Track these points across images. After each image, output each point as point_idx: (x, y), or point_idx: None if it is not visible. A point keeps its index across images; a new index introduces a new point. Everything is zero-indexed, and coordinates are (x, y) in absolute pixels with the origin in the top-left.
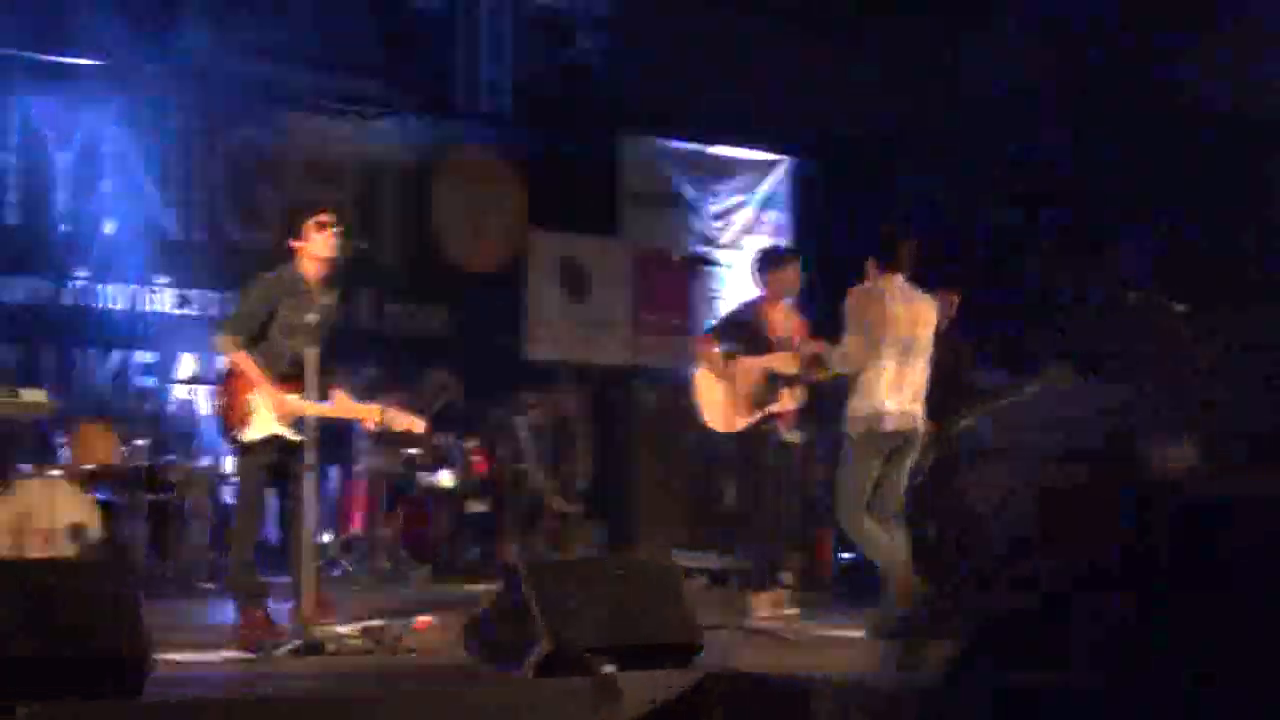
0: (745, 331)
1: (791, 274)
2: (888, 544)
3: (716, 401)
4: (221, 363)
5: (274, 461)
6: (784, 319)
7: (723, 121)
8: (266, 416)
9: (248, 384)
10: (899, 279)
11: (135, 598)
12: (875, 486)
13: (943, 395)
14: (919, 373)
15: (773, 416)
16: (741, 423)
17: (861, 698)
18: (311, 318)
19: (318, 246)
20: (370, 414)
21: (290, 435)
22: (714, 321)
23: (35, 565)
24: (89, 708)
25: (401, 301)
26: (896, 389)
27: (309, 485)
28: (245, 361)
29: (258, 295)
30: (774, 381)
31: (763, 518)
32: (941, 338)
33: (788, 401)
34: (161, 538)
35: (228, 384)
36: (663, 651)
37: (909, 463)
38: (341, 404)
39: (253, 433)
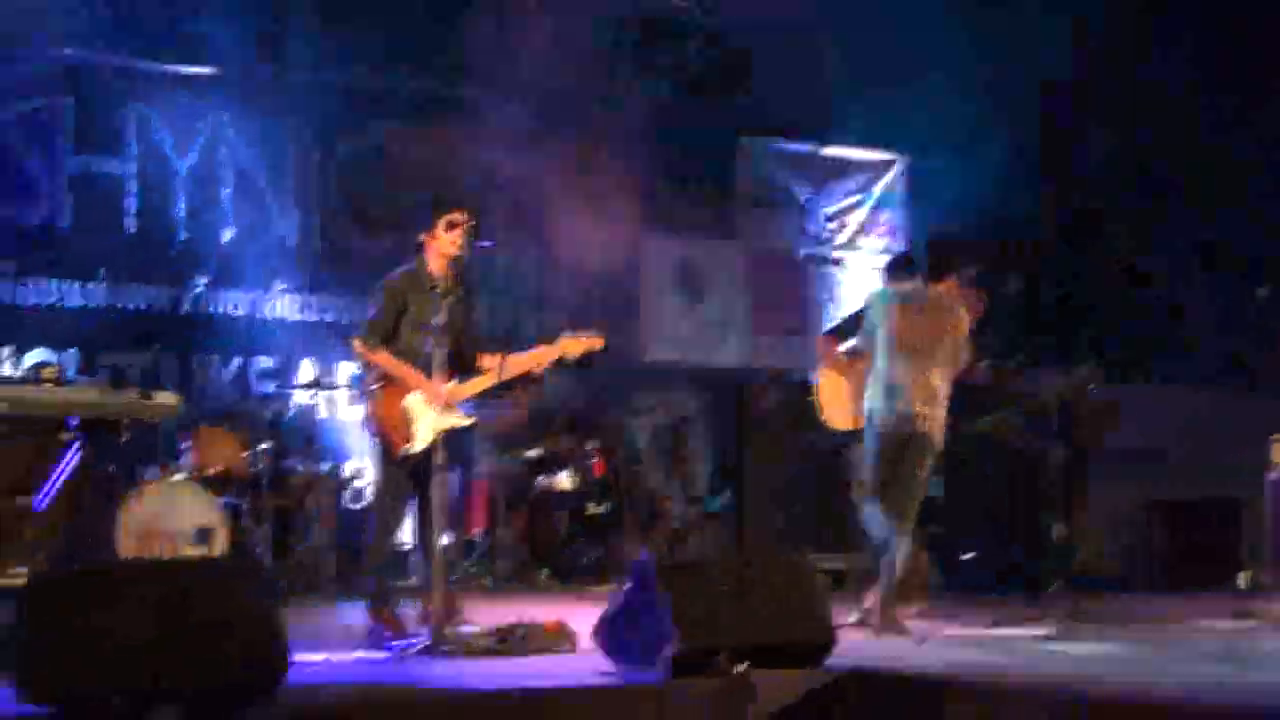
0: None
1: (900, 282)
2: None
3: (838, 400)
4: (361, 377)
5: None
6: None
7: (838, 122)
8: (426, 421)
9: (396, 392)
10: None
11: (271, 598)
12: (884, 484)
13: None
14: (933, 376)
15: None
16: (862, 420)
17: (995, 697)
18: (440, 319)
19: (445, 244)
20: (545, 354)
21: (458, 423)
22: (836, 321)
23: (173, 566)
24: (227, 712)
25: (523, 303)
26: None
27: (438, 486)
28: (388, 360)
29: (387, 294)
30: None
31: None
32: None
33: None
34: (284, 541)
35: (378, 399)
36: (794, 650)
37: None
38: (508, 365)
39: (419, 444)
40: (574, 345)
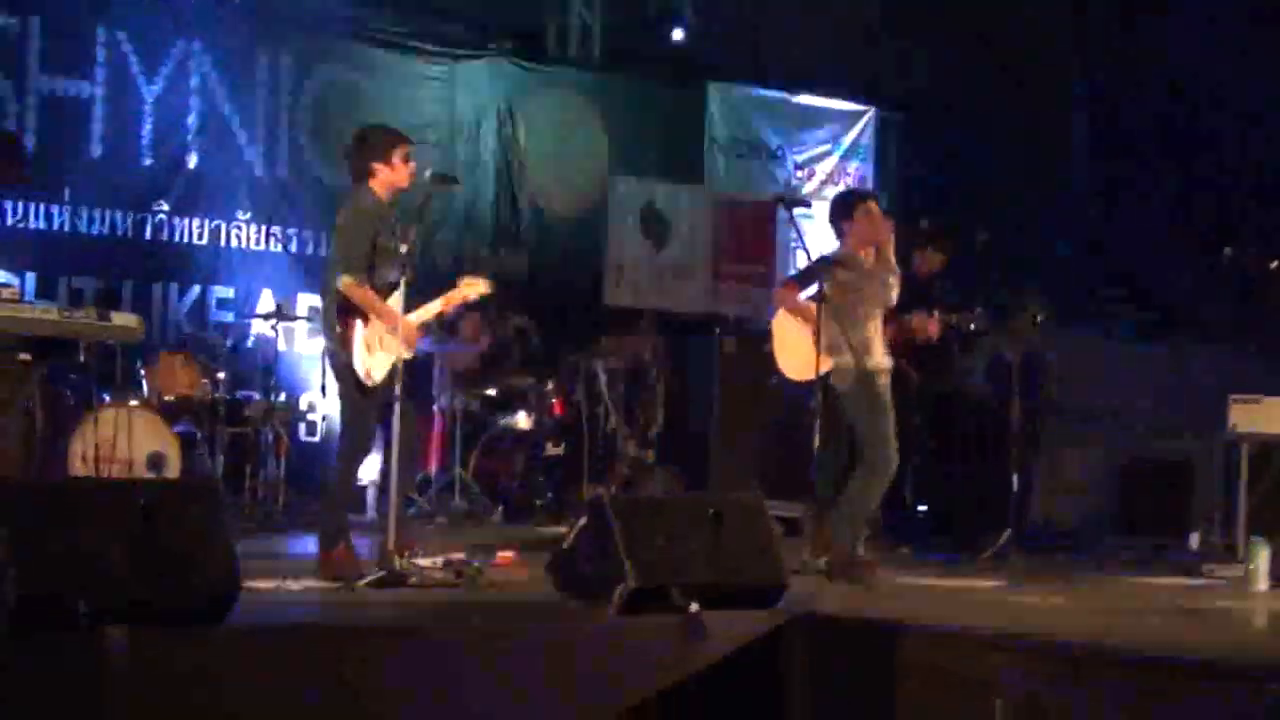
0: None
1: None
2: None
3: (795, 349)
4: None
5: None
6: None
7: (809, 71)
8: (388, 350)
9: (364, 323)
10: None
11: (225, 523)
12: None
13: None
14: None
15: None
16: (814, 371)
17: (947, 642)
18: (403, 246)
19: (400, 175)
20: (449, 298)
21: (408, 355)
22: (798, 269)
23: (134, 484)
24: (175, 633)
25: (482, 242)
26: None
27: (401, 418)
28: (368, 296)
29: (358, 228)
30: None
31: (836, 466)
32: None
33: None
34: (238, 471)
35: (345, 331)
36: (747, 591)
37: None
38: (449, 296)
39: (378, 371)
40: (473, 287)
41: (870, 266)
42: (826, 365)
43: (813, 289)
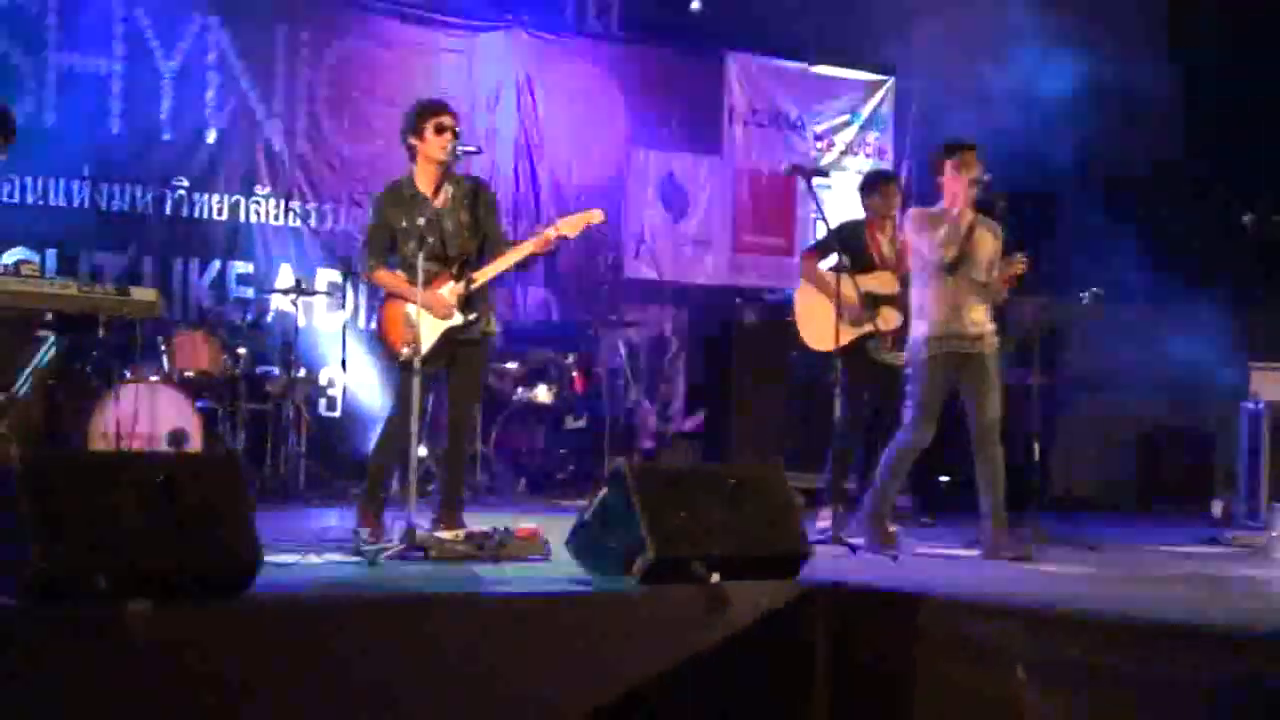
0: (849, 250)
1: (888, 196)
2: None
3: (816, 319)
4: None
5: (445, 363)
6: (889, 239)
7: (828, 41)
8: (428, 324)
9: (398, 303)
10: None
11: (245, 497)
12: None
13: None
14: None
15: (871, 336)
16: (840, 340)
17: (968, 611)
18: (426, 222)
19: (434, 149)
20: (543, 240)
21: (458, 322)
22: (817, 239)
23: (157, 457)
24: (197, 607)
25: (503, 216)
26: None
27: (416, 395)
28: (386, 278)
29: (372, 217)
30: (873, 302)
31: (855, 438)
32: None
33: (884, 322)
34: (259, 446)
35: (382, 314)
36: (768, 562)
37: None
38: (508, 255)
39: (425, 343)
40: (572, 224)
41: (963, 224)
42: (848, 336)
43: (833, 259)
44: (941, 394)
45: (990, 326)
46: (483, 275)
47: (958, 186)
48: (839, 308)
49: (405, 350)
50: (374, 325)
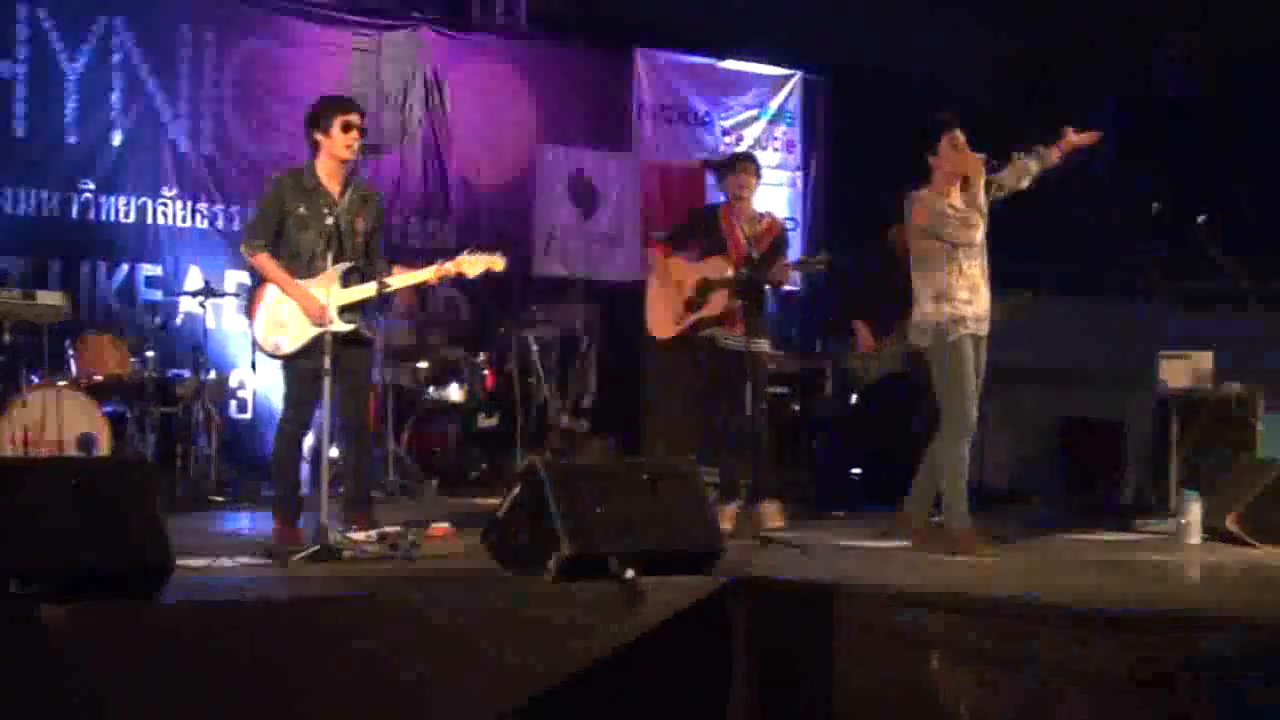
0: (702, 236)
1: (745, 177)
2: None
3: (657, 307)
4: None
5: (325, 365)
6: (747, 221)
7: (735, 35)
8: (301, 323)
9: (276, 292)
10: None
11: (157, 501)
12: None
13: None
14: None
15: (707, 323)
16: (674, 329)
17: (883, 601)
18: (330, 220)
19: (339, 146)
20: (434, 272)
21: (337, 327)
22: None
23: (66, 462)
24: (110, 611)
25: (411, 215)
26: None
27: (335, 393)
28: (268, 264)
29: (266, 197)
30: (705, 287)
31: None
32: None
33: (709, 307)
34: (169, 450)
35: (255, 297)
36: (684, 557)
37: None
38: (444, 267)
39: (293, 342)
40: (473, 263)
41: (955, 204)
42: (684, 323)
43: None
44: (974, 375)
45: (987, 307)
46: (364, 293)
47: (958, 161)
48: (677, 296)
49: (273, 343)
50: (247, 310)
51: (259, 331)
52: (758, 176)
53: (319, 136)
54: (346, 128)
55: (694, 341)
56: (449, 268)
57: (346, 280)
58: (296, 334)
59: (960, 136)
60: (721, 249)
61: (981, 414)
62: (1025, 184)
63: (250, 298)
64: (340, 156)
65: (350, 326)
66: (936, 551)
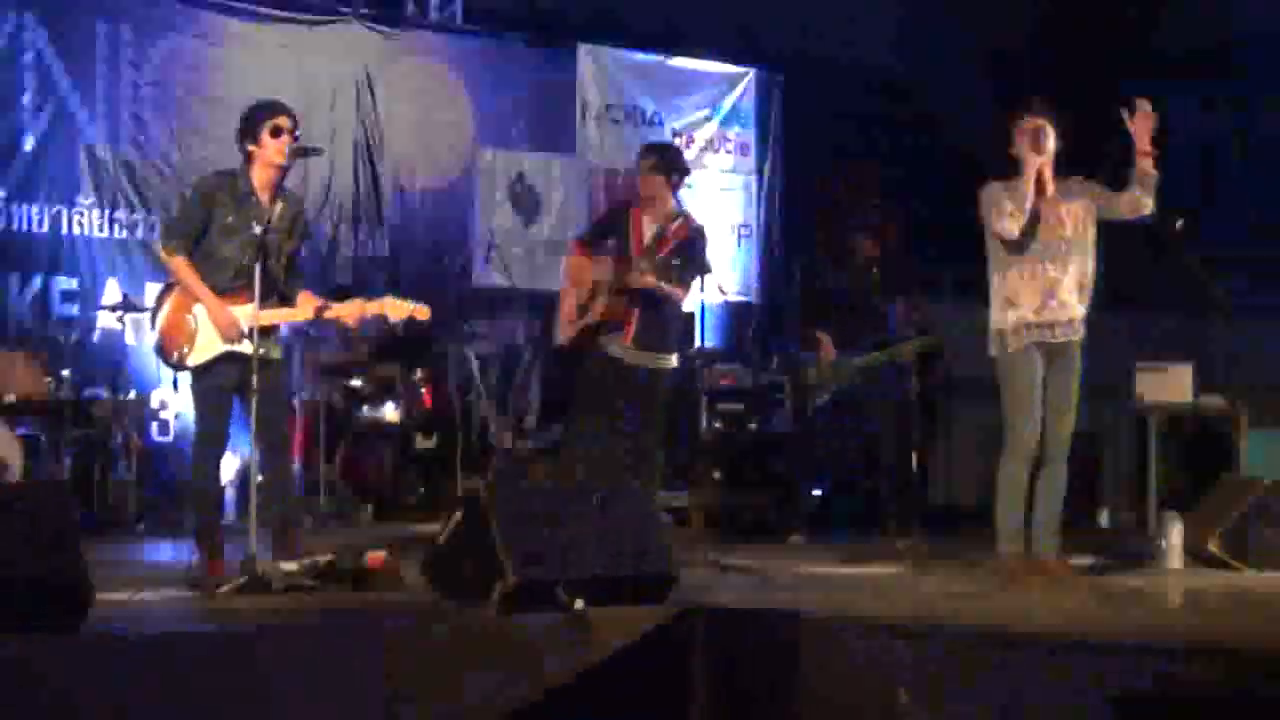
0: (611, 235)
1: (644, 173)
2: None
3: (563, 310)
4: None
5: (236, 384)
6: (652, 219)
7: (685, 31)
8: (210, 335)
9: (186, 300)
10: None
11: (75, 527)
12: None
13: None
14: None
15: (597, 330)
16: (569, 332)
17: (847, 631)
18: (258, 227)
19: (271, 152)
20: (353, 309)
21: (244, 349)
22: (590, 224)
23: None
24: (30, 643)
25: (342, 221)
26: None
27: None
28: (184, 269)
29: (192, 198)
30: (593, 292)
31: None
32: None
33: (595, 312)
34: (87, 475)
35: (163, 301)
36: (636, 584)
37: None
38: (304, 306)
39: (198, 355)
40: (397, 308)
41: (1018, 199)
42: (576, 329)
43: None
44: (1038, 389)
45: (1081, 310)
46: (272, 317)
47: (1028, 151)
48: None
49: (177, 353)
50: (152, 316)
51: (164, 337)
52: (667, 175)
53: (250, 146)
54: (276, 132)
55: (586, 348)
56: (370, 307)
57: (265, 301)
58: (203, 347)
59: (1039, 125)
60: (623, 250)
61: (949, 431)
62: (1141, 211)
63: (157, 301)
64: (272, 163)
65: (262, 351)
66: (1029, 586)
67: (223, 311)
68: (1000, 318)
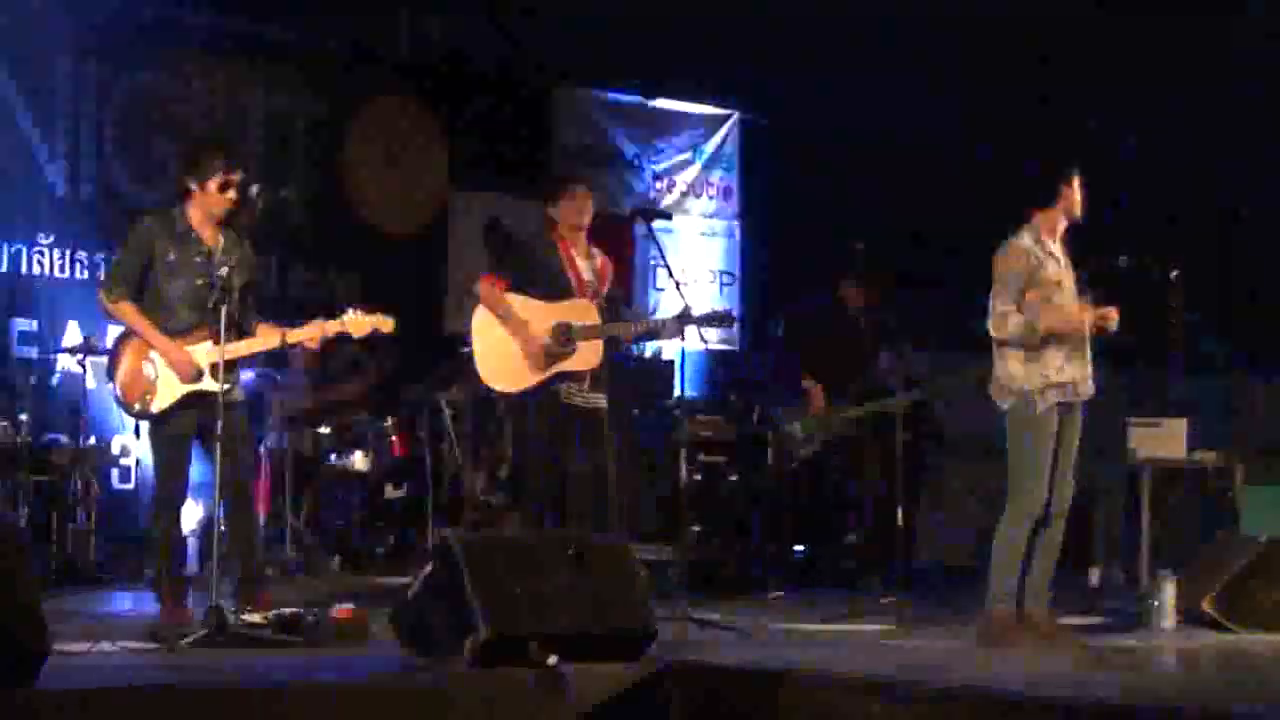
0: (537, 269)
1: (581, 203)
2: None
3: (497, 354)
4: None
5: (195, 428)
6: (585, 258)
7: (667, 72)
8: (170, 379)
9: (143, 347)
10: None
11: (30, 578)
12: None
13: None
14: None
15: (566, 376)
16: (526, 381)
17: (829, 690)
18: (202, 268)
19: (214, 202)
20: (312, 330)
21: (210, 387)
22: (498, 259)
23: None
24: None
25: (308, 266)
26: None
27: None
28: (132, 315)
29: (132, 241)
30: (567, 335)
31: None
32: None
33: (581, 361)
34: (45, 523)
35: (118, 351)
36: (613, 640)
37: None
38: (268, 335)
39: (161, 400)
40: (359, 324)
41: (1054, 253)
42: (537, 376)
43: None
44: (1052, 452)
45: (1089, 369)
46: (246, 350)
47: (1074, 207)
48: (524, 341)
49: (139, 403)
50: (108, 367)
51: (124, 388)
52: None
53: (193, 186)
54: (224, 187)
55: (543, 395)
56: (331, 326)
57: (221, 335)
58: (164, 393)
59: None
60: (561, 287)
61: (941, 488)
62: None
63: (113, 351)
64: (216, 214)
65: (226, 387)
66: (1019, 645)
67: (177, 351)
68: (1024, 374)
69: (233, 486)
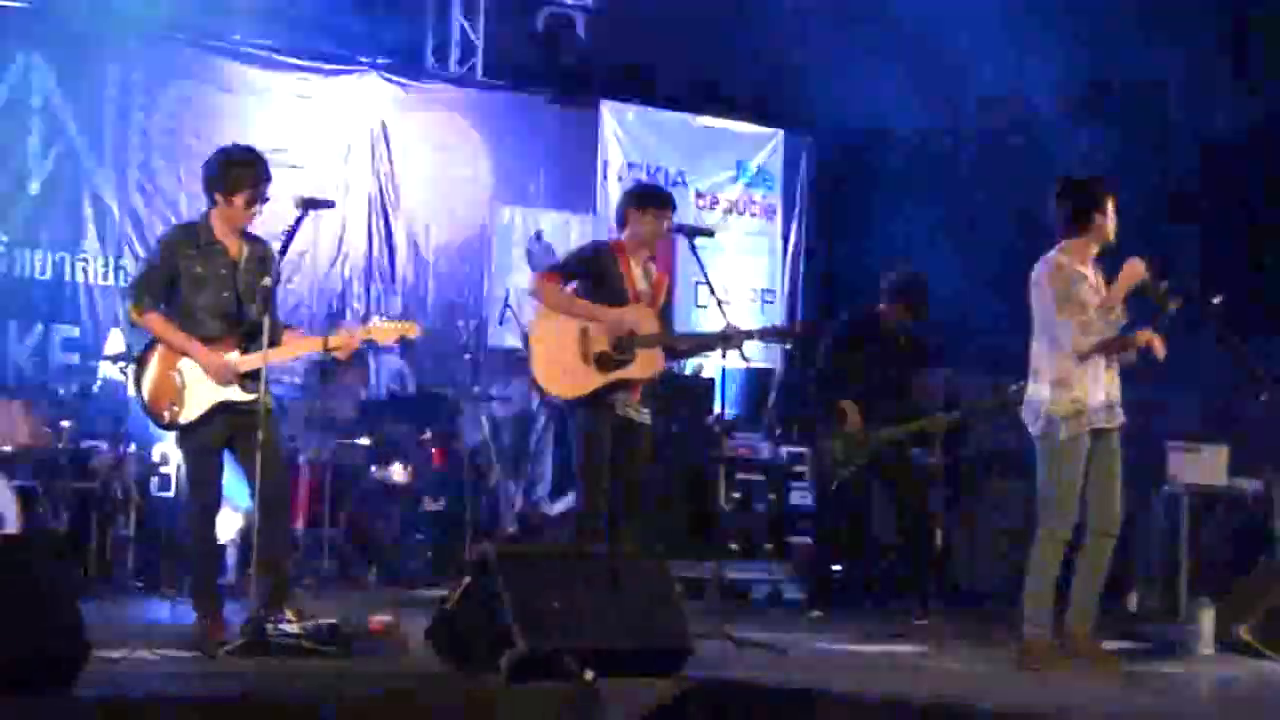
0: (597, 275)
1: (661, 221)
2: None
3: (557, 357)
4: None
5: (225, 438)
6: (642, 270)
7: (712, 90)
8: (201, 389)
9: (170, 356)
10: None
11: (70, 584)
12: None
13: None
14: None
15: (622, 385)
16: (585, 386)
17: (864, 711)
18: (228, 279)
19: (239, 215)
20: (346, 339)
21: (239, 396)
22: (558, 259)
23: None
24: (23, 704)
25: (354, 276)
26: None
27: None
28: (160, 325)
29: (156, 252)
30: (629, 342)
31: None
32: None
33: (639, 369)
34: (85, 529)
35: (145, 362)
36: (650, 656)
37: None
38: (296, 343)
39: (189, 411)
40: (384, 331)
41: (1089, 276)
42: (596, 382)
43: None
44: (1082, 476)
45: (1118, 394)
46: (263, 359)
47: (1109, 231)
48: (584, 345)
49: (167, 413)
50: (135, 378)
51: (151, 399)
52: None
53: (219, 197)
54: (250, 202)
55: (594, 403)
56: (358, 333)
57: (249, 345)
58: (193, 402)
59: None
60: (618, 296)
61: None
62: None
63: (138, 363)
64: (239, 227)
65: (252, 396)
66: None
67: (211, 356)
68: (1054, 399)
69: (264, 494)
